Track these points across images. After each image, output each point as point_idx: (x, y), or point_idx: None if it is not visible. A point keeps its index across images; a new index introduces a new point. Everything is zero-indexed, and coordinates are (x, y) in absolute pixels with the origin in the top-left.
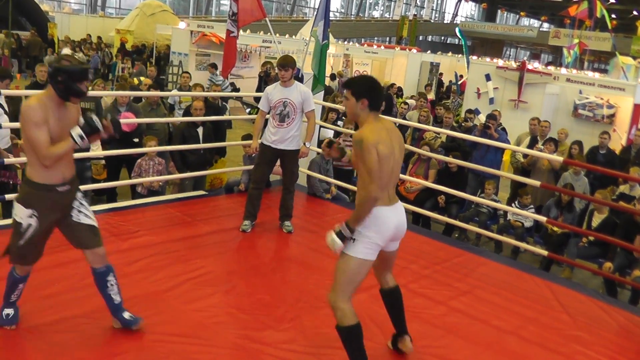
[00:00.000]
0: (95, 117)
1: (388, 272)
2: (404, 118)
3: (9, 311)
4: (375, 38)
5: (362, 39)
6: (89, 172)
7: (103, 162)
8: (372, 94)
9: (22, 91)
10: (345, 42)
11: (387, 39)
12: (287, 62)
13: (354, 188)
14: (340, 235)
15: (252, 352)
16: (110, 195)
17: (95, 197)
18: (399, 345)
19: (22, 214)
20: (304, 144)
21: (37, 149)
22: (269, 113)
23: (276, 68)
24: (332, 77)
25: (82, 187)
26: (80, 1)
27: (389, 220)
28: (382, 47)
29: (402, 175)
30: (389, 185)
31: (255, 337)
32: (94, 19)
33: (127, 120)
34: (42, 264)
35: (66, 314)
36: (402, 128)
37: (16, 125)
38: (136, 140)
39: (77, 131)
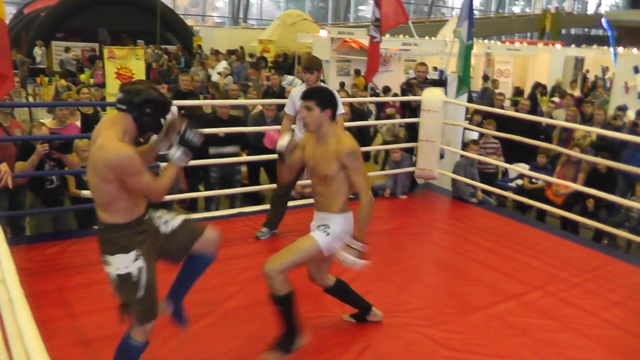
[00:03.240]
0: (196, 130)
1: (325, 272)
2: (550, 117)
3: None
4: (516, 34)
5: (503, 36)
6: (239, 176)
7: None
8: (334, 104)
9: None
10: (486, 41)
11: (529, 34)
12: (312, 64)
13: (498, 191)
14: (350, 251)
15: (418, 354)
16: (254, 198)
17: (244, 199)
18: (369, 319)
19: (125, 263)
20: None
21: (150, 192)
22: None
23: (302, 70)
24: (485, 78)
25: (232, 191)
26: (223, 14)
27: (353, 223)
28: (525, 44)
29: (549, 178)
30: None
31: (410, 338)
32: (237, 31)
33: (272, 127)
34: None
35: None
36: (549, 128)
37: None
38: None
39: (177, 153)
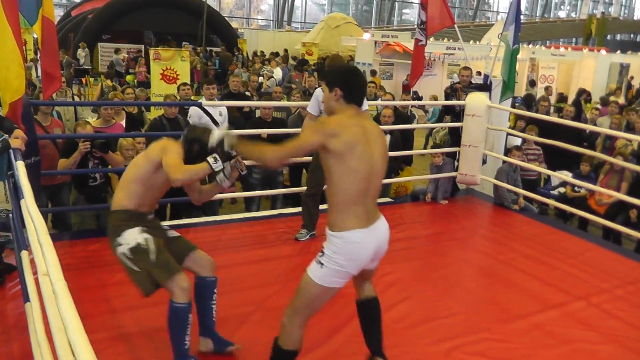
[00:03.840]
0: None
1: (366, 283)
2: (594, 124)
3: None
4: (561, 39)
5: (548, 41)
6: (281, 177)
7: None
8: (342, 82)
9: (217, 102)
10: (530, 45)
11: (574, 40)
12: (334, 63)
13: (541, 198)
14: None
15: None
16: (295, 200)
17: (284, 200)
18: None
19: (133, 235)
20: None
21: (170, 168)
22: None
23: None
24: (532, 83)
25: (274, 192)
26: (267, 17)
27: (366, 245)
28: (570, 49)
29: (592, 186)
30: (365, 198)
31: (450, 344)
32: (281, 34)
33: None
34: None
35: None
36: (593, 135)
37: None
38: None
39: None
